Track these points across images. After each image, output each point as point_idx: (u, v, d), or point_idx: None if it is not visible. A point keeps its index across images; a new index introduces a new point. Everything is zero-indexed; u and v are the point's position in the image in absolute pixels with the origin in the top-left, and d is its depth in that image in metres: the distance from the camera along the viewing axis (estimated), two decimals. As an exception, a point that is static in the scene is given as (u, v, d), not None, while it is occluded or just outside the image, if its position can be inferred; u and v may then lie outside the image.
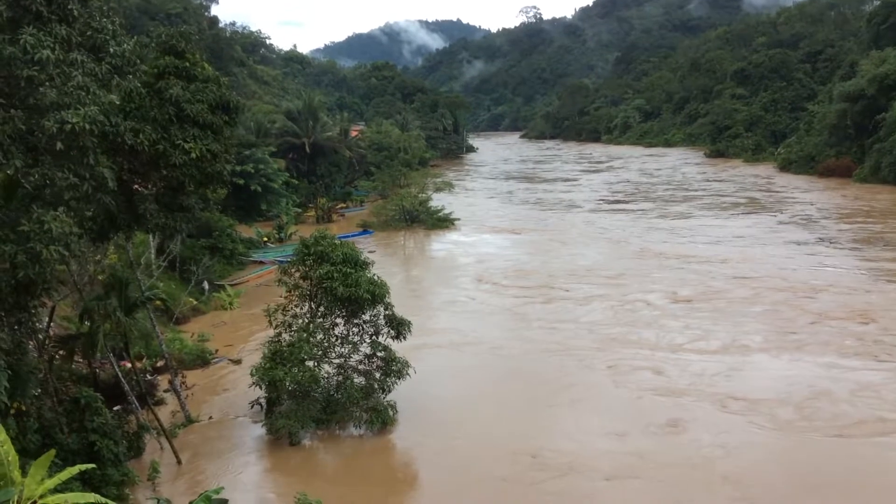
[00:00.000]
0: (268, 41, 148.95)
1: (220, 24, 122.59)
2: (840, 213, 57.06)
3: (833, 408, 21.48)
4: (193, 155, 16.68)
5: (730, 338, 28.19)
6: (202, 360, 27.16)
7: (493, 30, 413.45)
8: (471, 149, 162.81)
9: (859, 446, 19.17)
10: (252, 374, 20.60)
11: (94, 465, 14.80)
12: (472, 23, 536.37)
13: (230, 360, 27.67)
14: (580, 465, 18.83)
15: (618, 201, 70.76)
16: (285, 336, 21.59)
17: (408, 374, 21.48)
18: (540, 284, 38.14)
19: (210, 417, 22.21)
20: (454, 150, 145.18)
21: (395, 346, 22.08)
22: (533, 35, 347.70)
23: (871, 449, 19.01)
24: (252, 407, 21.78)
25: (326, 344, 21.87)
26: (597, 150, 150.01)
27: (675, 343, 27.98)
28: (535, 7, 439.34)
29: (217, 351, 28.19)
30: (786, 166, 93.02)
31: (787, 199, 66.87)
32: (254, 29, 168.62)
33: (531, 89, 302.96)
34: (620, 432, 20.62)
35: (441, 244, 53.14)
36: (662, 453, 19.32)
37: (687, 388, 23.41)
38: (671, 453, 19.33)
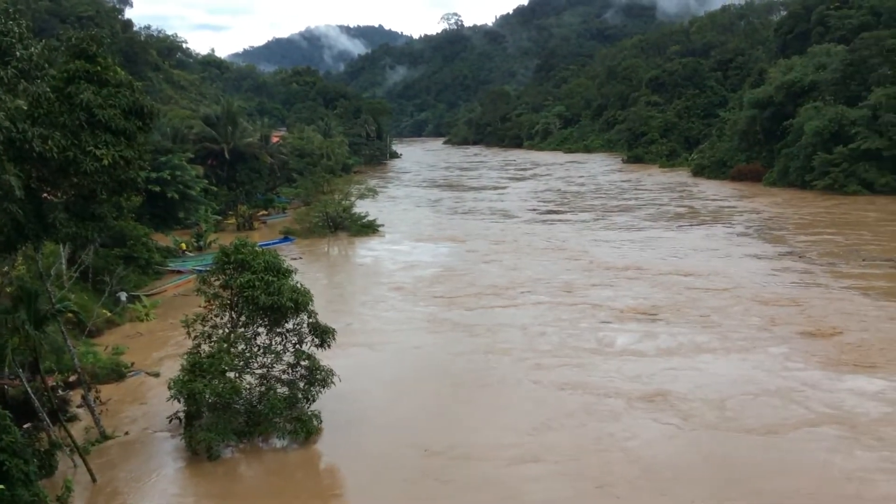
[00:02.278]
0: (184, 45, 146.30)
1: (135, 28, 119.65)
2: (793, 224, 56.19)
3: (765, 405, 21.99)
4: (105, 162, 16.19)
5: (676, 342, 28.24)
6: (117, 373, 26.27)
7: (415, 36, 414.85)
8: (395, 155, 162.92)
9: (782, 442, 19.68)
10: (170, 388, 20.02)
11: (2, 486, 14.20)
12: (394, 29, 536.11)
13: (147, 372, 26.86)
14: (489, 455, 19.29)
15: (551, 211, 69.92)
16: (205, 347, 21.10)
17: (332, 382, 21.28)
18: (475, 293, 37.56)
19: (126, 433, 21.51)
20: (378, 156, 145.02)
21: (319, 353, 21.85)
22: (455, 42, 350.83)
23: (795, 445, 19.53)
24: (170, 421, 21.17)
25: (248, 354, 21.48)
26: (520, 157, 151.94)
27: (616, 347, 28.17)
28: (456, 14, 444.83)
29: (133, 364, 27.33)
30: (699, 171, 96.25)
31: (726, 207, 66.85)
32: (170, 33, 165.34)
33: (454, 95, 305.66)
34: (535, 425, 21.07)
35: (367, 251, 52.92)
36: (573, 443, 19.92)
37: (614, 386, 23.81)
38: (582, 443, 19.93)
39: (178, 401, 20.23)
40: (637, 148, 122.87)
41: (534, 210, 70.97)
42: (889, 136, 69.39)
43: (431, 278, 41.50)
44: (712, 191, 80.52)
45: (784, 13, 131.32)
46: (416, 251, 51.30)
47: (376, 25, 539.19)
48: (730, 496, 17.07)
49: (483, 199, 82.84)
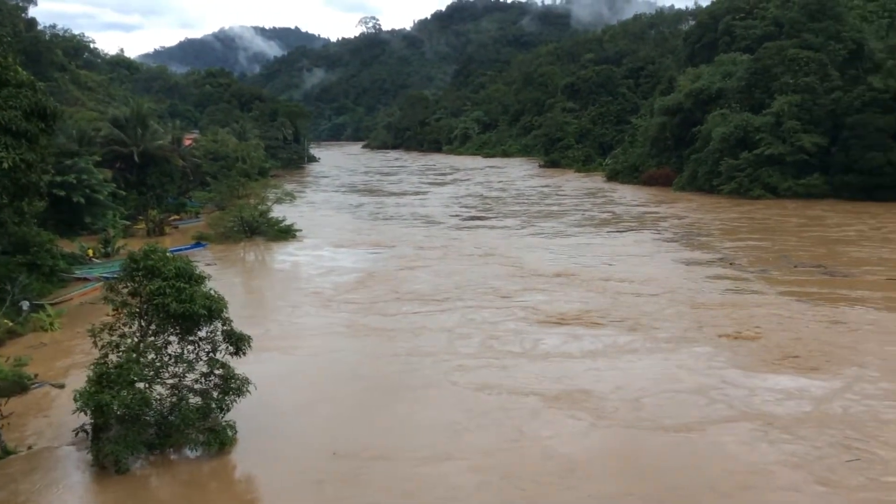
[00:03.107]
0: (92, 45, 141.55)
1: (39, 27, 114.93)
2: (717, 230, 56.96)
3: (684, 403, 22.42)
4: (5, 165, 15.57)
5: (602, 344, 28.39)
6: (20, 385, 25.06)
7: (333, 39, 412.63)
8: (312, 159, 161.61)
9: (696, 438, 20.16)
10: (75, 400, 19.25)
11: None
12: (310, 31, 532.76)
13: (52, 384, 25.78)
14: (401, 455, 19.41)
15: (475, 217, 69.50)
16: (112, 357, 20.35)
17: (248, 391, 20.86)
18: (397, 297, 37.07)
19: (29, 447, 20.59)
20: (295, 160, 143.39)
21: (234, 361, 21.40)
22: (373, 45, 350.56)
23: (708, 441, 20.04)
24: (76, 434, 20.34)
25: (159, 364, 20.81)
26: (440, 161, 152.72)
27: (541, 349, 28.18)
28: (374, 18, 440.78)
29: (37, 375, 26.17)
30: (613, 176, 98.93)
31: (648, 213, 67.65)
32: (77, 32, 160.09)
33: (373, 99, 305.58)
34: (451, 425, 21.19)
35: (285, 256, 52.10)
36: (487, 441, 20.08)
37: (535, 387, 23.97)
38: (496, 441, 20.10)
39: (85, 413, 19.48)
40: (554, 153, 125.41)
41: (457, 216, 70.63)
42: (791, 142, 72.82)
43: (353, 283, 41.05)
44: (630, 196, 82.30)
45: (692, 23, 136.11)
46: (337, 256, 50.65)
47: (292, 27, 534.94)
48: (633, 489, 17.53)
49: (405, 204, 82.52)
